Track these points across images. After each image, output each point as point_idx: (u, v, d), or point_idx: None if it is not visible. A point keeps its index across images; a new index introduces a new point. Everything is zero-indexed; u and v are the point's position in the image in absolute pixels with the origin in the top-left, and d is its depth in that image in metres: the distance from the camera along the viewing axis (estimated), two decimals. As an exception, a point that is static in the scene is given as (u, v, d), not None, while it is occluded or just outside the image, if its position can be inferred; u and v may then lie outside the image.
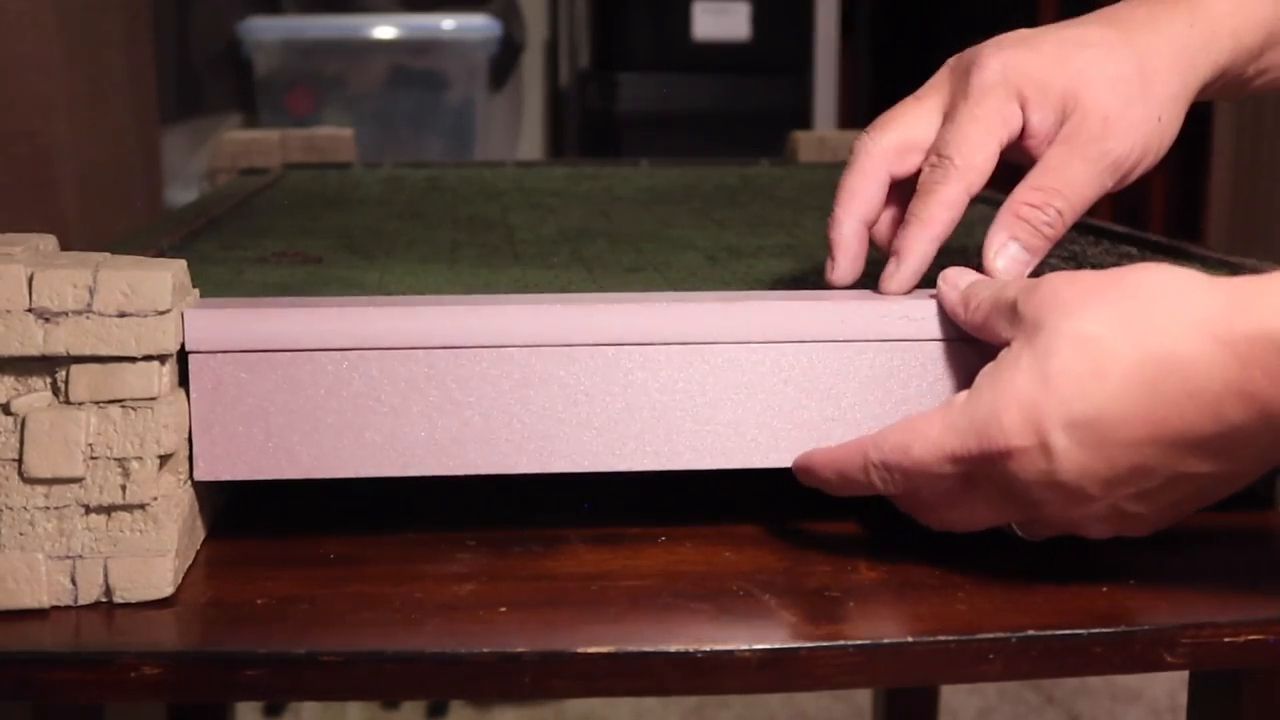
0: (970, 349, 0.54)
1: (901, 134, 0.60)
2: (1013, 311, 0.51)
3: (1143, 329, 0.46)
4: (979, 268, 0.57)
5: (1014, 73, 0.59)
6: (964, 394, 0.50)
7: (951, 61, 0.62)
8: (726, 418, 0.54)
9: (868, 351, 0.54)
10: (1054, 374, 0.47)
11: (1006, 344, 0.50)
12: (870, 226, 0.60)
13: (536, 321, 0.53)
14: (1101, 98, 0.58)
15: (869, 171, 0.60)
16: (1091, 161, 0.58)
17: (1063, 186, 0.58)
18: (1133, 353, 0.46)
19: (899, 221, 0.60)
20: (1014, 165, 0.61)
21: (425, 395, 0.53)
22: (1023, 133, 0.59)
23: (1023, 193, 0.58)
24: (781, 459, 0.54)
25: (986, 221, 0.59)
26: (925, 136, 0.60)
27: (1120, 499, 0.48)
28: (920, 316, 0.55)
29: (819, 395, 0.54)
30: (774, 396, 0.54)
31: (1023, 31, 0.61)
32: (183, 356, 0.52)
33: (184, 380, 0.52)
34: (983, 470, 0.49)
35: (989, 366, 0.50)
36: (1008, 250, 0.57)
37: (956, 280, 0.55)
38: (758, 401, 0.54)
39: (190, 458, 0.52)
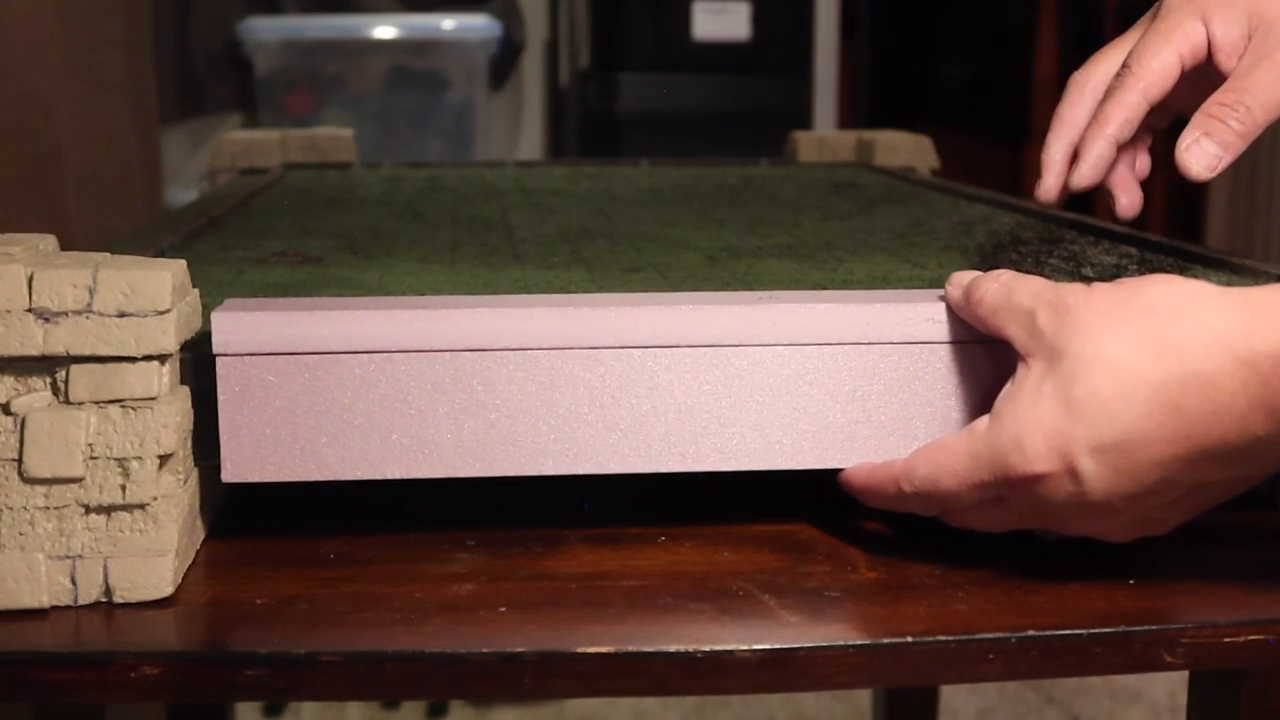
0: (993, 352, 0.54)
1: (1107, 68, 0.71)
2: (1031, 324, 0.51)
3: (1164, 349, 0.47)
4: (981, 266, 0.57)
5: None
6: (985, 420, 0.50)
7: (1156, 4, 0.71)
8: (752, 420, 0.54)
9: (892, 354, 0.54)
10: (1078, 400, 0.48)
11: (1017, 353, 0.51)
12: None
13: (563, 324, 0.53)
14: None
15: (1077, 101, 0.72)
16: None
17: (1251, 86, 0.65)
18: (1156, 374, 0.47)
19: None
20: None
21: (451, 397, 0.53)
22: (1211, 48, 0.66)
23: (1216, 94, 0.65)
24: (806, 461, 0.54)
25: (987, 221, 0.59)
26: None
27: (1146, 509, 0.49)
28: (944, 319, 0.54)
29: (844, 398, 0.54)
30: (799, 399, 0.54)
31: None
32: (209, 359, 0.52)
33: (210, 383, 0.52)
34: (1010, 492, 0.50)
35: (1008, 390, 0.50)
36: (1199, 145, 0.64)
37: (961, 280, 0.56)
38: (783, 404, 0.54)
39: (192, 458, 0.52)
